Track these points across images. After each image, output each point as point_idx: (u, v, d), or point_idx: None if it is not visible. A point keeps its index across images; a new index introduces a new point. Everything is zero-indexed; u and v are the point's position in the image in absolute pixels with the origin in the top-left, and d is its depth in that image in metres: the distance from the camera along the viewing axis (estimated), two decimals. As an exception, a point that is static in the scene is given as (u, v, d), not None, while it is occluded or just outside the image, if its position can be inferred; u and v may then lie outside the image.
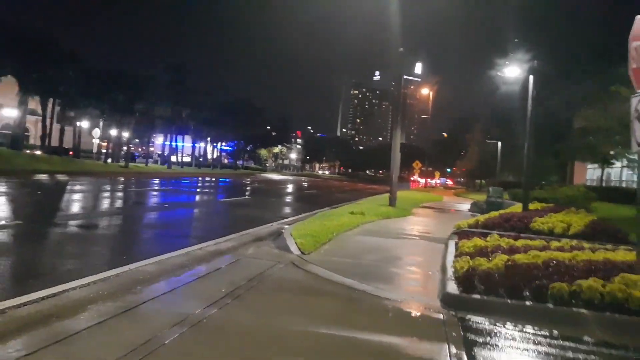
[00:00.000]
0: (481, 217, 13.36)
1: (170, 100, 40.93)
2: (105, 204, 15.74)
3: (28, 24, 35.29)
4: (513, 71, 13.11)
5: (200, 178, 37.09)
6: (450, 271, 6.96)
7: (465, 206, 25.25)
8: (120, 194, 19.18)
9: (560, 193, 17.22)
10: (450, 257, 8.08)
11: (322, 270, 7.01)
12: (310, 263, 7.46)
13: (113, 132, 39.52)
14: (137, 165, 43.08)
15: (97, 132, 38.29)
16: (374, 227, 12.41)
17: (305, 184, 43.23)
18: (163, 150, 51.21)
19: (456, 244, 9.30)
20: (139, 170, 35.22)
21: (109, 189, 21.14)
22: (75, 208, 13.46)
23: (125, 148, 43.52)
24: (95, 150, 40.57)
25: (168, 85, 40.52)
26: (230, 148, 71.39)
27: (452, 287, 5.96)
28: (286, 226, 12.13)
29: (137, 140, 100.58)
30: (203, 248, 8.13)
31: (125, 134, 75.79)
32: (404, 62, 17.39)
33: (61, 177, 24.49)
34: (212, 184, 31.81)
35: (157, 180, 28.45)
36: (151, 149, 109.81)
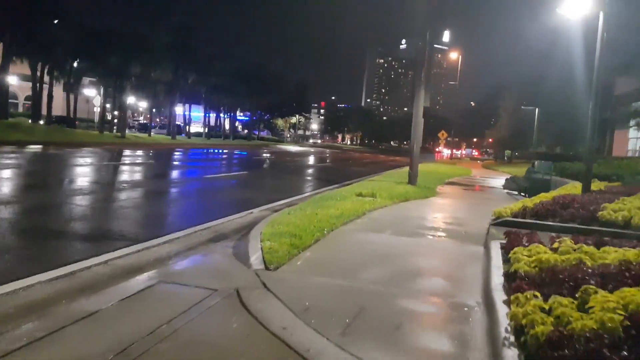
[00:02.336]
0: (528, 201, 10.17)
1: (175, 64, 37.88)
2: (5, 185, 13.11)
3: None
4: (579, 4, 9.60)
5: (204, 149, 34.46)
6: (502, 313, 4.00)
7: (499, 182, 21.86)
8: (67, 169, 16.58)
9: (625, 168, 13.72)
10: (497, 277, 5.09)
11: (285, 312, 4.10)
12: (270, 292, 4.55)
13: (123, 100, 36.85)
14: (138, 135, 40.62)
15: (98, 99, 35.89)
16: (385, 217, 9.38)
17: (321, 156, 40.22)
18: (169, 120, 48.51)
19: (503, 249, 6.27)
20: (135, 142, 32.69)
21: (59, 162, 18.34)
22: None
23: (130, 116, 41.02)
24: (97, 119, 38.06)
25: (174, 48, 37.40)
26: (246, 118, 68.35)
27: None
28: (271, 214, 9.27)
29: (153, 110, 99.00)
30: (110, 262, 5.27)
31: (142, 104, 73.68)
32: (431, 5, 13.98)
33: (29, 148, 22.10)
34: (214, 156, 29.11)
35: (146, 152, 25.79)
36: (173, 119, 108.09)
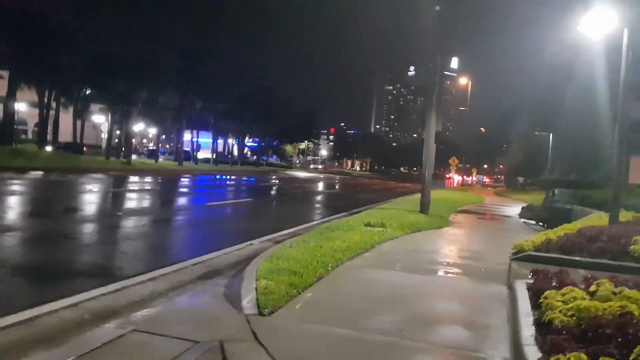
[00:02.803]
0: (551, 233, 9.40)
1: (183, 90, 37.86)
2: None
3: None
4: (602, 20, 8.94)
5: (210, 176, 33.99)
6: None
7: (514, 210, 21.03)
8: (62, 196, 16.11)
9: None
10: (527, 327, 4.37)
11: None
12: (260, 345, 3.87)
13: (129, 126, 36.79)
14: (145, 161, 40.37)
15: (105, 125, 35.91)
16: (395, 250, 8.66)
17: (330, 183, 39.63)
18: (176, 146, 48.30)
19: (530, 291, 5.54)
20: (141, 168, 32.31)
21: (55, 188, 17.84)
22: None
23: (139, 143, 40.94)
24: (104, 144, 37.92)
25: (182, 74, 37.43)
26: (255, 144, 68.29)
27: None
28: (272, 246, 8.65)
29: (163, 136, 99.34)
30: (81, 304, 4.63)
31: (152, 130, 74.09)
32: (442, 29, 13.55)
33: (29, 175, 21.76)
34: (219, 182, 28.61)
35: (150, 179, 25.29)
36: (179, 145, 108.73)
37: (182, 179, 27.20)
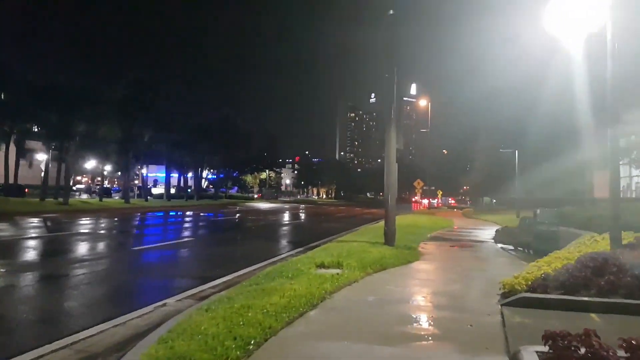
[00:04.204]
0: (544, 265, 7.58)
1: (128, 121, 35.06)
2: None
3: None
4: (580, 17, 7.40)
5: (158, 213, 31.14)
6: None
7: (487, 233, 19.41)
8: None
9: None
10: None
11: None
12: None
13: (68, 163, 33.48)
14: (87, 201, 36.93)
15: (43, 164, 32.85)
16: (352, 303, 6.57)
17: (292, 213, 37.40)
18: (124, 183, 45.09)
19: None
20: (81, 208, 29.10)
21: None
22: None
23: (90, 181, 37.63)
24: (43, 184, 34.41)
25: (127, 103, 34.72)
26: (213, 176, 65.46)
27: None
28: (194, 304, 6.49)
29: (118, 172, 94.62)
30: None
31: (107, 167, 70.10)
32: (397, 35, 11.95)
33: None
34: (163, 220, 25.87)
35: (80, 220, 22.34)
36: (136, 181, 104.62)
37: (121, 219, 24.36)
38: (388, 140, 12.08)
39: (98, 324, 5.75)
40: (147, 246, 13.42)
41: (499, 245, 14.76)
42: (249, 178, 76.96)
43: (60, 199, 30.05)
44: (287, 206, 54.34)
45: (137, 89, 36.76)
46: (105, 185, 76.30)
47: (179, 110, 46.14)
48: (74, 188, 70.32)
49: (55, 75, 31.16)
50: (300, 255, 10.81)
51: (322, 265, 8.89)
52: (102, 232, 18.01)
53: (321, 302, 6.47)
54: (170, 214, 30.81)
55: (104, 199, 43.06)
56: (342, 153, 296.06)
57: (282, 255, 11.76)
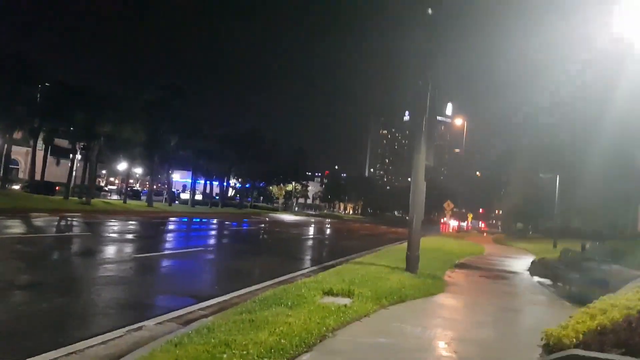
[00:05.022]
0: (600, 314, 6.18)
1: (154, 125, 35.01)
2: None
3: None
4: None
5: (178, 218, 30.54)
6: None
7: (520, 264, 17.75)
8: None
9: None
10: None
11: None
12: None
13: (91, 163, 33.42)
14: (110, 202, 36.84)
15: (70, 162, 33.04)
16: (355, 347, 5.38)
17: (313, 228, 36.26)
18: (150, 186, 44.95)
19: None
20: (102, 208, 28.82)
21: None
22: None
23: (120, 183, 37.59)
24: (73, 183, 34.67)
25: (154, 107, 34.75)
26: (239, 185, 65.03)
27: None
28: (176, 330, 5.48)
29: (149, 176, 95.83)
30: None
31: (137, 170, 71.01)
32: (434, 38, 10.88)
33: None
34: (180, 226, 25.06)
35: (97, 221, 21.81)
36: (167, 185, 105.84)
37: (137, 222, 23.78)
38: (417, 155, 10.87)
39: (48, 351, 4.77)
40: (149, 254, 12.52)
41: (535, 278, 13.21)
42: (275, 189, 76.25)
43: (84, 198, 29.90)
44: (311, 219, 53.24)
45: (166, 93, 36.78)
46: (135, 188, 77.32)
47: (207, 118, 46.14)
48: (106, 189, 71.45)
49: (86, 76, 31.48)
50: (310, 277, 9.68)
51: (329, 293, 7.73)
52: (108, 235, 17.35)
53: (320, 342, 5.33)
54: (189, 220, 30.16)
55: (129, 201, 43.12)
56: (371, 170, 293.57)
57: (291, 275, 10.64)
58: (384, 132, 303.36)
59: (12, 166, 49.75)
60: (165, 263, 11.50)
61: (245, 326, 5.48)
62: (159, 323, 6.25)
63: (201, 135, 42.82)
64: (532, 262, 15.62)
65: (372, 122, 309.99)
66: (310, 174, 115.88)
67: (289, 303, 6.69)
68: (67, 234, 16.42)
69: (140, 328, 5.95)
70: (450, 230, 60.79)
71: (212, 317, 6.39)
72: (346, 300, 7.30)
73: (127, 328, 5.86)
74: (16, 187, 38.61)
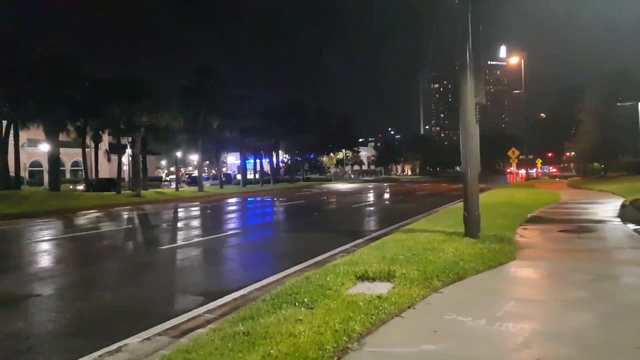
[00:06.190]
0: None
1: (193, 109, 34.42)
2: None
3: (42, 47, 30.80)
4: None
5: (227, 200, 29.78)
6: None
7: (606, 209, 15.09)
8: None
9: None
10: None
11: None
12: None
13: (135, 154, 33.40)
14: (162, 191, 36.92)
15: (126, 157, 33.51)
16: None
17: (365, 194, 34.47)
18: (199, 170, 44.81)
19: None
20: (152, 199, 28.65)
21: None
22: None
23: (182, 171, 37.53)
24: (130, 178, 35.32)
25: (190, 91, 34.15)
26: (289, 158, 64.06)
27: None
28: (167, 345, 4.06)
29: (207, 162, 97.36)
30: None
31: (194, 157, 72.01)
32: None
33: None
34: (226, 208, 24.09)
35: (139, 212, 21.38)
36: (224, 169, 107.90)
37: (183, 209, 23.19)
38: (464, 93, 8.77)
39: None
40: (174, 245, 11.38)
41: (630, 226, 10.82)
42: (325, 159, 74.57)
43: (134, 191, 30.04)
44: (364, 185, 51.36)
45: (204, 76, 36.05)
46: (193, 175, 78.91)
47: (249, 96, 44.93)
48: (167, 179, 73.32)
49: (119, 68, 31.15)
50: (347, 255, 8.05)
51: (364, 277, 6.08)
52: (150, 225, 16.59)
53: (339, 358, 3.72)
54: (237, 201, 29.34)
55: (184, 188, 43.38)
56: (426, 127, 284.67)
57: (329, 254, 9.08)
58: (435, 86, 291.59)
59: (74, 168, 51.83)
60: (187, 254, 10.26)
61: (236, 344, 3.99)
62: (146, 339, 4.90)
63: (243, 113, 41.80)
64: (622, 206, 13.15)
65: (421, 77, 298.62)
66: (363, 140, 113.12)
67: (306, 299, 5.11)
68: (78, 234, 15.77)
69: (120, 349, 4.63)
70: (519, 179, 56.77)
71: (211, 326, 4.97)
72: (384, 287, 5.62)
73: (106, 349, 4.57)
74: (80, 187, 39.82)
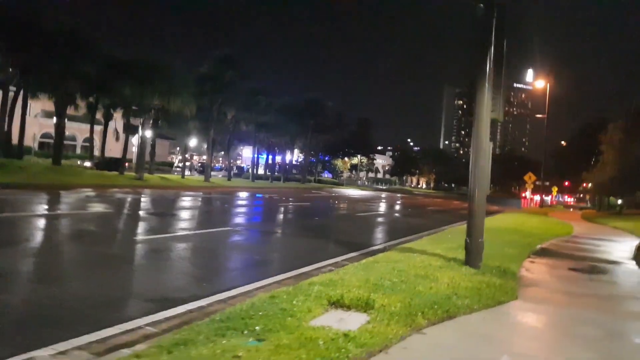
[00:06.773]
0: None
1: (209, 98, 33.92)
2: None
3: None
4: None
5: (231, 194, 29.07)
6: None
7: (621, 248, 14.05)
8: None
9: None
10: None
11: None
12: None
13: (143, 137, 32.94)
14: (166, 177, 36.42)
15: (136, 139, 33.20)
16: None
17: (376, 203, 33.54)
18: (209, 160, 44.30)
19: None
20: (154, 184, 28.18)
21: None
22: None
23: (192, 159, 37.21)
24: (136, 159, 35.07)
25: (207, 80, 33.66)
26: (303, 158, 63.43)
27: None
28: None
29: (222, 152, 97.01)
30: None
31: (206, 146, 71.84)
32: None
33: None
34: (220, 202, 23.38)
35: (135, 197, 20.87)
36: (238, 161, 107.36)
37: (182, 197, 22.56)
38: (479, 105, 7.89)
39: None
40: (150, 237, 10.62)
41: (648, 272, 9.80)
42: (339, 163, 73.60)
43: (136, 174, 29.61)
44: (376, 194, 50.33)
45: (224, 66, 35.55)
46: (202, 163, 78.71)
47: (266, 90, 44.29)
48: (179, 165, 73.17)
49: (141, 51, 30.80)
50: (326, 274, 7.19)
51: (338, 303, 5.22)
52: (140, 212, 15.92)
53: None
54: (240, 195, 28.67)
55: (191, 177, 42.95)
56: (446, 142, 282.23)
57: (314, 267, 8.25)
58: (459, 102, 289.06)
59: (70, 142, 51.80)
60: (157, 249, 9.39)
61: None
62: (61, 353, 4.12)
63: (259, 108, 41.15)
64: (638, 248, 12.10)
65: (445, 93, 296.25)
66: (381, 148, 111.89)
67: (258, 327, 4.28)
68: (99, 211, 15.14)
69: (24, 364, 3.85)
70: (532, 205, 55.26)
71: (141, 345, 4.18)
72: (357, 319, 4.77)
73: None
74: (87, 164, 39.55)
